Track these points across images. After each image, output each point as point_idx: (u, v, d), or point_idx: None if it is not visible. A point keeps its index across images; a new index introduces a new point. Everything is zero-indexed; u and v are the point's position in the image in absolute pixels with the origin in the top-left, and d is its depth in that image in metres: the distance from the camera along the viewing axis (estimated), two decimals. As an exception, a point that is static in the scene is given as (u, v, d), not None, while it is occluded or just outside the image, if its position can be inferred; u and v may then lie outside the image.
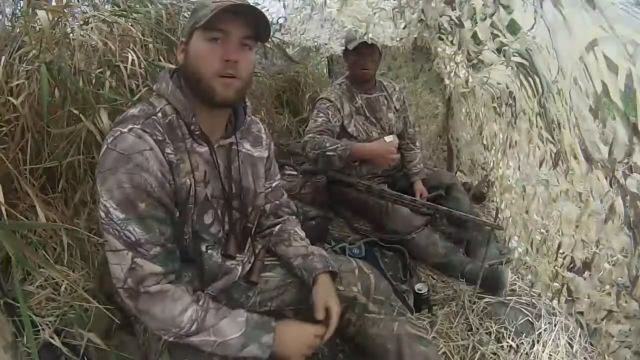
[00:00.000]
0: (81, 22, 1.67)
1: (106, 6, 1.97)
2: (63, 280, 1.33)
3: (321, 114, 2.23)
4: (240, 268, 1.23)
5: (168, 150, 1.00)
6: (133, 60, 1.65)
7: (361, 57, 2.25)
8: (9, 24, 1.67)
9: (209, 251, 1.14)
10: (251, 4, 1.02)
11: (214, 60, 0.99)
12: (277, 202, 1.38)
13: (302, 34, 4.04)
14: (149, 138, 0.97)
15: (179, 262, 1.06)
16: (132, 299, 0.98)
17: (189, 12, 2.41)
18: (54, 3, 1.66)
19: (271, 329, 1.07)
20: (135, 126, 0.97)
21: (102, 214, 0.95)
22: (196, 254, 1.12)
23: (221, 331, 1.02)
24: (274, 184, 1.35)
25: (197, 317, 1.00)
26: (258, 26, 1.03)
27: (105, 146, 0.97)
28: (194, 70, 1.01)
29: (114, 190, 0.93)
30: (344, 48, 2.37)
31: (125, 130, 0.96)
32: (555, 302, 1.68)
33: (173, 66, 1.16)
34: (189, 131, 1.05)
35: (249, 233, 1.23)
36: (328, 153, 2.08)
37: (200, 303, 1.03)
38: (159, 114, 1.02)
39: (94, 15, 1.72)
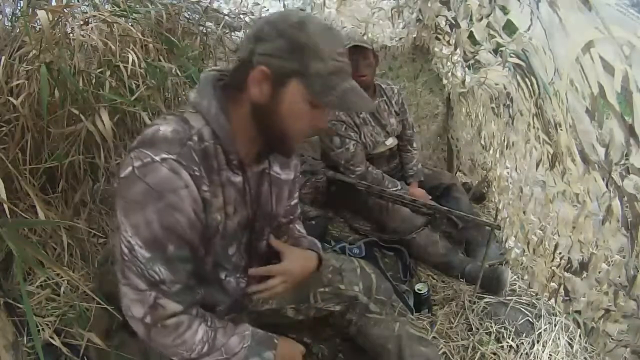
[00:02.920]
0: (81, 22, 1.66)
1: (106, 6, 1.97)
2: (63, 280, 1.34)
3: (347, 140, 2.17)
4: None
5: (204, 187, 0.90)
6: (133, 60, 1.65)
7: (354, 62, 2.12)
8: (9, 24, 1.67)
9: (227, 278, 1.10)
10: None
11: (308, 127, 0.93)
12: (291, 217, 1.34)
13: (302, 33, 4.02)
14: (185, 174, 0.86)
15: (197, 292, 1.02)
16: (145, 331, 0.94)
17: (189, 12, 2.44)
18: (54, 3, 1.66)
19: (274, 346, 1.07)
20: (170, 157, 0.85)
21: (126, 250, 0.88)
22: (214, 280, 1.08)
23: (231, 348, 1.01)
24: (292, 202, 1.31)
25: (208, 339, 0.97)
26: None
27: (130, 169, 0.86)
28: (281, 125, 0.91)
29: (141, 228, 0.86)
30: None
31: (158, 159, 0.84)
32: (552, 301, 1.68)
33: (212, 70, 1.00)
34: (226, 160, 0.95)
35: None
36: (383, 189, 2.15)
37: (209, 324, 1.00)
38: (195, 138, 0.90)
39: (94, 15, 1.72)
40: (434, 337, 1.61)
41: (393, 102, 2.37)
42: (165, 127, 0.89)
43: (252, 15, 3.28)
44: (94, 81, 1.58)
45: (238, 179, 0.99)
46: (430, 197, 2.31)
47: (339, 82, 0.88)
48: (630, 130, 0.98)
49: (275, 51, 0.86)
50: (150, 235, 0.86)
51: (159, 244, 0.87)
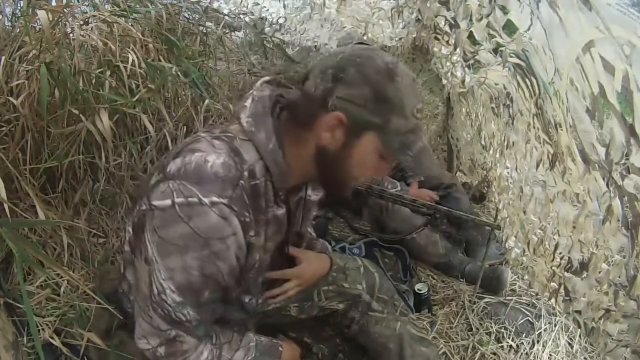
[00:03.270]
0: (81, 22, 1.66)
1: (106, 6, 1.96)
2: (63, 280, 1.34)
3: None
4: None
5: (251, 232, 0.86)
6: (133, 60, 1.65)
7: None
8: (9, 24, 1.67)
9: (250, 300, 1.06)
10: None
11: (369, 174, 0.90)
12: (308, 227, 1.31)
13: (302, 34, 4.04)
14: (235, 221, 0.80)
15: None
16: (153, 356, 0.91)
17: (189, 12, 2.44)
18: (54, 3, 1.66)
19: (278, 354, 1.07)
20: (222, 201, 0.77)
21: (155, 291, 0.82)
22: (236, 302, 1.04)
23: None
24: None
25: (213, 357, 0.94)
26: None
27: (170, 203, 0.77)
28: (346, 172, 0.86)
29: (178, 272, 0.80)
30: None
31: (207, 202, 0.76)
32: (553, 301, 1.68)
33: (270, 91, 0.90)
34: (274, 195, 0.89)
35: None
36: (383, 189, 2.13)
37: (214, 341, 0.96)
38: (246, 174, 0.82)
39: (94, 15, 1.72)
40: (434, 337, 1.62)
41: None
42: (213, 159, 0.79)
43: (252, 15, 3.29)
44: (94, 81, 1.58)
45: (281, 211, 0.93)
46: (436, 193, 2.30)
47: (415, 141, 0.85)
48: (630, 129, 0.98)
49: (357, 99, 0.79)
50: (186, 282, 0.81)
51: (195, 291, 0.83)
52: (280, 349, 1.08)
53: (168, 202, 0.77)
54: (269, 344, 1.07)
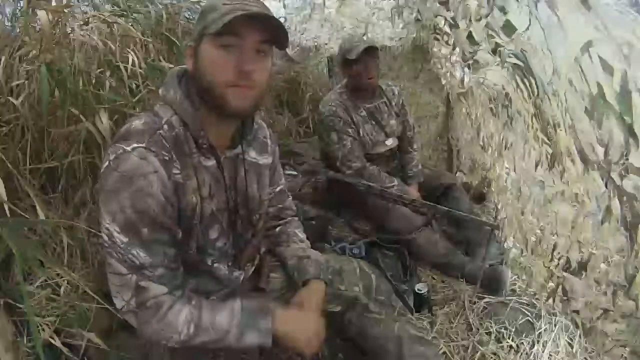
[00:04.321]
0: (81, 22, 1.67)
1: (106, 6, 1.97)
2: (63, 280, 1.34)
3: (344, 135, 2.20)
4: (243, 273, 1.21)
5: (174, 171, 0.94)
6: (133, 60, 1.66)
7: (365, 66, 2.14)
8: (9, 24, 1.68)
9: (215, 264, 1.10)
10: (264, 11, 0.94)
11: (227, 70, 0.92)
12: (280, 205, 1.35)
13: (302, 34, 4.05)
14: (153, 159, 0.91)
15: (183, 276, 1.02)
16: (136, 320, 0.96)
17: (189, 12, 2.44)
18: (54, 3, 1.66)
19: (268, 312, 1.04)
20: (140, 145, 0.90)
21: (105, 237, 0.91)
22: (202, 268, 1.08)
23: (219, 326, 0.99)
24: (277, 189, 1.33)
25: (192, 318, 0.96)
26: (275, 30, 0.95)
27: (107, 163, 0.91)
28: (205, 79, 0.94)
29: (117, 214, 0.89)
30: (340, 59, 2.23)
31: (129, 149, 0.90)
32: (551, 301, 1.68)
33: (179, 66, 1.08)
34: (196, 145, 1.00)
35: (256, 242, 1.22)
36: (384, 187, 2.15)
37: (193, 303, 0.99)
38: (165, 127, 0.96)
39: (94, 15, 1.73)
40: (434, 337, 1.61)
41: (393, 103, 2.37)
42: (137, 122, 0.96)
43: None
44: (94, 81, 1.58)
45: (210, 163, 1.03)
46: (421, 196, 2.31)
47: (230, 15, 0.91)
48: (629, 129, 0.98)
49: (194, 28, 0.99)
50: (125, 220, 0.89)
51: (134, 228, 0.90)
52: (272, 307, 1.05)
53: (106, 164, 0.91)
54: (259, 305, 1.05)
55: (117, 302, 0.96)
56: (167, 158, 0.93)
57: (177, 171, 0.95)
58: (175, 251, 0.98)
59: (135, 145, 0.90)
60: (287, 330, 1.05)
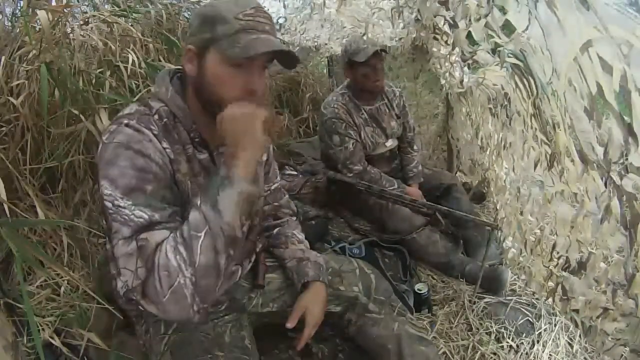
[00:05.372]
0: (81, 22, 1.67)
1: (106, 6, 1.97)
2: (63, 280, 1.34)
3: (346, 138, 2.20)
4: (240, 269, 1.21)
5: (165, 145, 0.96)
6: (133, 60, 1.66)
7: (373, 69, 2.13)
8: (9, 24, 1.68)
9: None
10: (277, 39, 0.97)
11: (235, 89, 0.95)
12: (276, 204, 1.36)
13: (302, 34, 4.05)
14: (147, 131, 0.94)
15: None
16: (140, 293, 0.86)
17: (189, 12, 2.44)
18: (54, 3, 1.66)
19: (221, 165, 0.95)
20: (131, 121, 0.94)
21: (109, 204, 0.88)
22: None
23: (197, 229, 0.87)
24: (273, 187, 1.34)
25: (176, 243, 0.86)
26: (286, 55, 1.00)
27: (102, 142, 0.93)
28: (209, 90, 0.97)
29: (118, 179, 0.89)
30: (346, 60, 2.17)
31: (123, 124, 0.93)
32: (550, 300, 1.68)
33: (172, 66, 1.11)
34: (189, 137, 1.03)
35: (253, 239, 1.22)
36: (384, 189, 2.16)
37: (172, 235, 0.89)
38: (155, 116, 0.99)
39: (94, 15, 1.73)
40: (434, 337, 1.61)
41: (394, 104, 2.37)
42: (126, 109, 1.00)
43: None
44: (94, 81, 1.59)
45: (203, 156, 1.06)
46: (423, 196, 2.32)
47: (245, 37, 0.93)
48: (628, 129, 0.98)
49: (194, 30, 0.99)
50: (127, 182, 0.89)
51: (137, 187, 0.90)
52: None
53: (101, 144, 0.94)
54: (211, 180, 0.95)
55: (121, 280, 0.87)
56: (156, 132, 0.96)
57: (168, 147, 0.97)
58: (179, 209, 0.95)
59: (127, 121, 0.94)
60: (233, 139, 0.94)
